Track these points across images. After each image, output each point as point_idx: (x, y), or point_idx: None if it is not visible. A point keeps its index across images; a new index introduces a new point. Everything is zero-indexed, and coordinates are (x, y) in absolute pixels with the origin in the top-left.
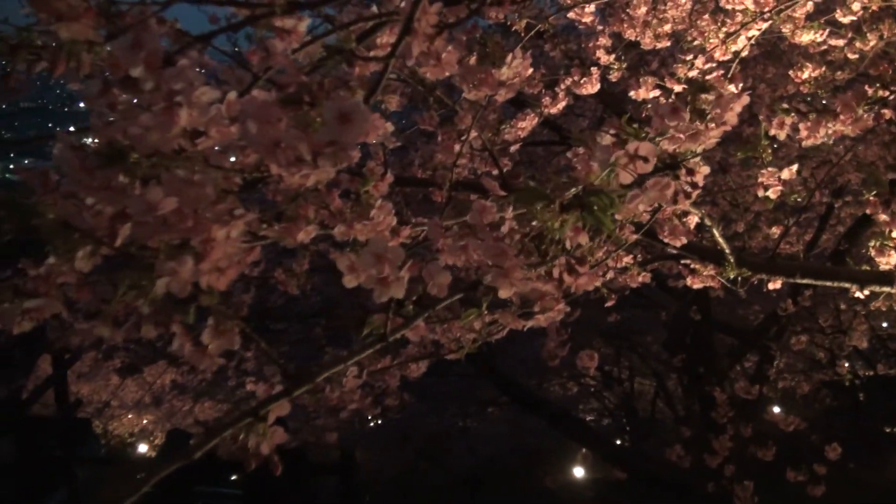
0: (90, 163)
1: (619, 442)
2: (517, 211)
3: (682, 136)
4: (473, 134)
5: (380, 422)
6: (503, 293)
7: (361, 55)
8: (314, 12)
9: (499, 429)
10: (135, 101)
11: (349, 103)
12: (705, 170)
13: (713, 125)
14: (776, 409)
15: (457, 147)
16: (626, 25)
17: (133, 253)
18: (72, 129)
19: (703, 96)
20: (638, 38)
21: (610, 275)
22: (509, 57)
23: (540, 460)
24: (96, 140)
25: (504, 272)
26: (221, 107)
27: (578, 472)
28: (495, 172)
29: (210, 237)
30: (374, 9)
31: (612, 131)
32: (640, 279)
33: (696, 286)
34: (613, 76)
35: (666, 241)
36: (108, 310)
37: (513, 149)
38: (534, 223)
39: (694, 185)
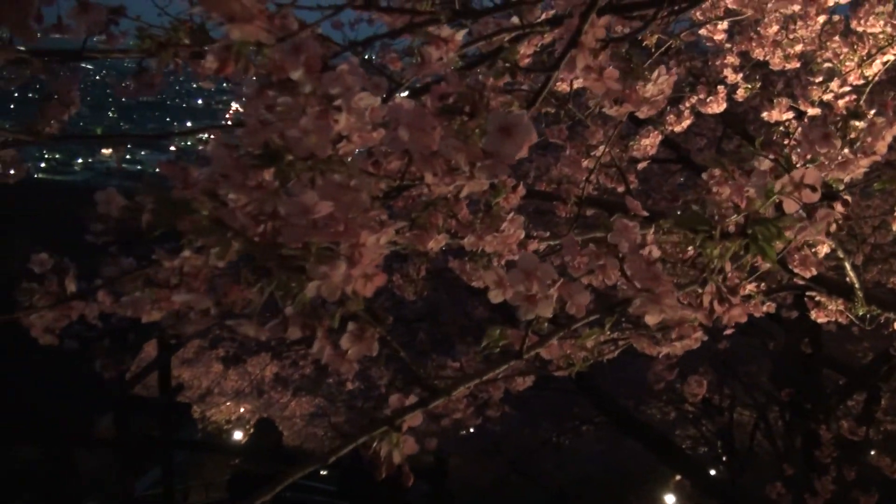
0: (244, 162)
1: (713, 472)
2: (667, 234)
3: (831, 163)
4: (603, 149)
5: (472, 430)
6: (651, 319)
7: (525, 66)
8: (456, 22)
9: (592, 448)
10: (292, 103)
11: (513, 116)
12: (849, 200)
13: (862, 154)
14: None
15: (585, 162)
16: (754, 44)
17: (284, 254)
18: (189, 124)
19: (855, 123)
20: (767, 58)
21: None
22: (655, 73)
23: (631, 483)
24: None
25: (655, 297)
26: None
27: (670, 499)
28: (620, 189)
29: (360, 243)
30: (515, 20)
31: (770, 156)
32: (763, 309)
33: (820, 320)
34: (740, 95)
35: (796, 270)
36: (254, 308)
37: (640, 166)
38: (689, 249)
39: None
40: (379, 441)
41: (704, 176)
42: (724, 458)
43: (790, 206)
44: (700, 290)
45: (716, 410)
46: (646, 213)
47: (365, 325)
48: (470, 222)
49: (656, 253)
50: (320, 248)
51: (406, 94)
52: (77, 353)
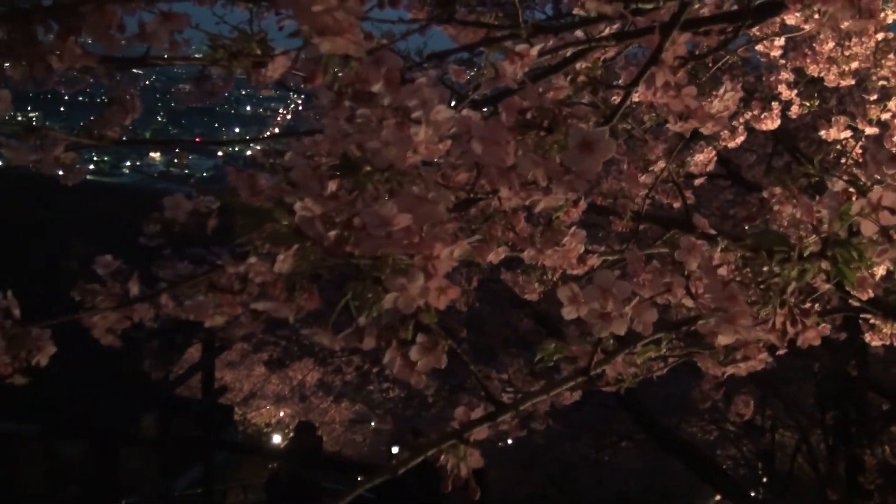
0: (321, 172)
1: (752, 494)
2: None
3: None
4: (661, 164)
5: (510, 441)
6: (724, 340)
7: (605, 82)
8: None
9: (631, 465)
10: (370, 115)
11: (595, 132)
12: None
13: None
14: None
15: (642, 177)
16: (809, 61)
17: (360, 265)
18: (237, 130)
19: None
20: (821, 75)
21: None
22: (721, 89)
23: (669, 503)
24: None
25: (730, 318)
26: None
27: None
28: (676, 205)
29: (434, 255)
30: (579, 34)
31: (843, 177)
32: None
33: (874, 343)
34: (794, 112)
35: (853, 293)
36: (329, 318)
37: (698, 182)
38: (764, 269)
39: None
40: (446, 453)
41: (765, 194)
42: (764, 480)
43: (868, 229)
44: (771, 312)
45: (757, 431)
46: (713, 231)
47: (437, 337)
48: (529, 235)
49: (725, 272)
50: (397, 260)
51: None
52: (123, 352)
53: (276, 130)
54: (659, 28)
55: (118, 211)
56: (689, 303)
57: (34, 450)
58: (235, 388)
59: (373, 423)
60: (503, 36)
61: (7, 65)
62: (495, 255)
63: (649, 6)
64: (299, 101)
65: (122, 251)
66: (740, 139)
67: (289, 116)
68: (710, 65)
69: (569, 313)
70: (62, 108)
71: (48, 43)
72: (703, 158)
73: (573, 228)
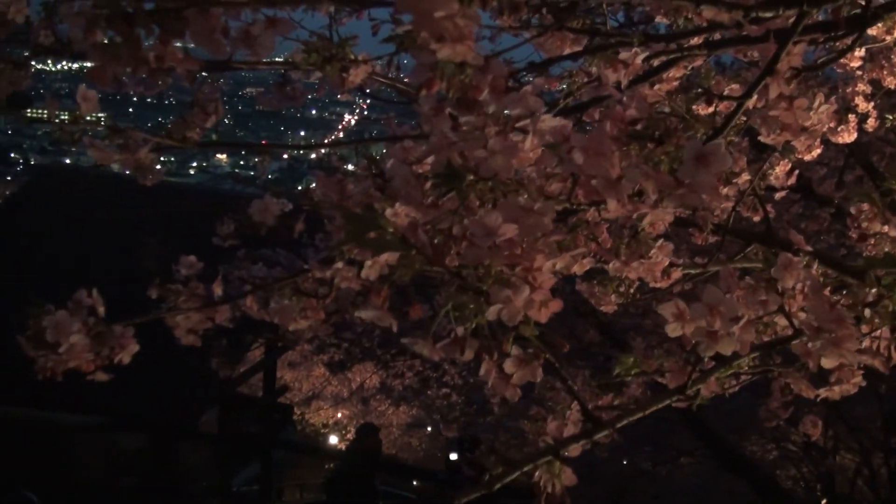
0: (423, 180)
1: None
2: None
3: None
4: (745, 177)
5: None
6: (828, 363)
7: (718, 93)
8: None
9: (689, 481)
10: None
11: (711, 145)
12: None
13: None
14: None
15: (724, 189)
16: (885, 73)
17: (461, 275)
18: (302, 133)
19: None
20: None
21: None
22: (816, 101)
23: None
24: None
25: (836, 340)
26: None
27: None
28: (756, 219)
29: (536, 267)
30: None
31: None
32: None
33: None
34: (871, 125)
35: None
36: (429, 327)
37: (779, 196)
38: (873, 290)
39: None
40: (541, 470)
41: (852, 210)
42: (823, 503)
43: None
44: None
45: (819, 452)
46: (809, 249)
47: (536, 351)
48: (614, 247)
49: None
50: (499, 272)
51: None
52: (189, 349)
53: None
54: (774, 36)
55: (187, 210)
56: (782, 321)
57: (96, 440)
58: (295, 387)
59: (429, 428)
60: (612, 44)
61: (90, 65)
62: (580, 267)
63: (768, 14)
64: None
65: (192, 250)
66: (817, 152)
67: (353, 121)
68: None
69: (674, 330)
70: (130, 110)
71: (150, 46)
72: (783, 171)
73: (660, 241)
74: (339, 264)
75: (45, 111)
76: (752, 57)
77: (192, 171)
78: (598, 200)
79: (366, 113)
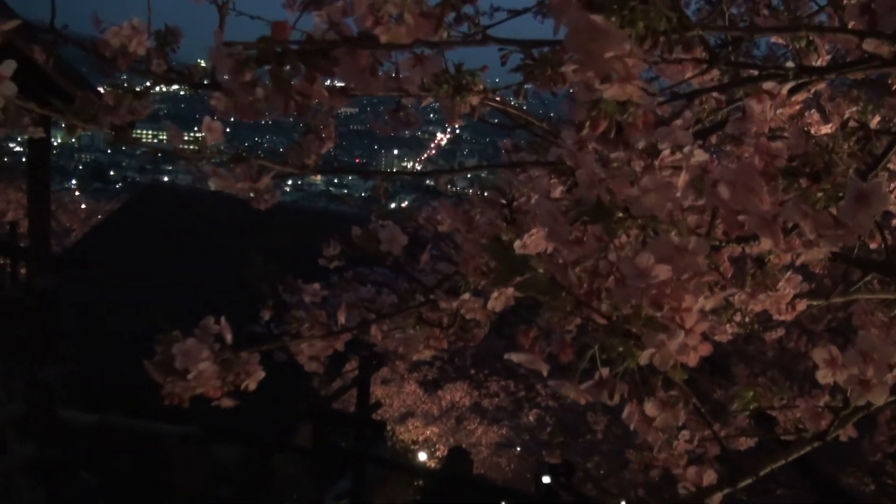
0: (568, 215)
1: None
2: None
3: None
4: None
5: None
6: None
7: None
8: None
9: None
10: (623, 159)
11: (872, 184)
12: None
13: None
14: None
15: None
16: None
17: (611, 317)
18: (395, 152)
19: None
20: None
21: None
22: None
23: None
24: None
25: None
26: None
27: None
28: (873, 245)
29: (685, 308)
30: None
31: None
32: None
33: None
34: None
35: None
36: (576, 368)
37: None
38: None
39: None
40: None
41: None
42: None
43: None
44: None
45: None
46: None
47: (683, 395)
48: (740, 278)
49: None
50: (649, 315)
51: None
52: (283, 363)
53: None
54: None
55: (284, 228)
56: None
57: (193, 450)
58: (385, 403)
59: (518, 449)
60: (763, 75)
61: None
62: (712, 301)
63: None
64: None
65: (295, 269)
66: None
67: (445, 140)
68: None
69: (824, 377)
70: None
71: (297, 84)
72: None
73: (788, 273)
74: (466, 295)
75: (166, 138)
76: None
77: (287, 189)
78: (743, 236)
79: (458, 132)
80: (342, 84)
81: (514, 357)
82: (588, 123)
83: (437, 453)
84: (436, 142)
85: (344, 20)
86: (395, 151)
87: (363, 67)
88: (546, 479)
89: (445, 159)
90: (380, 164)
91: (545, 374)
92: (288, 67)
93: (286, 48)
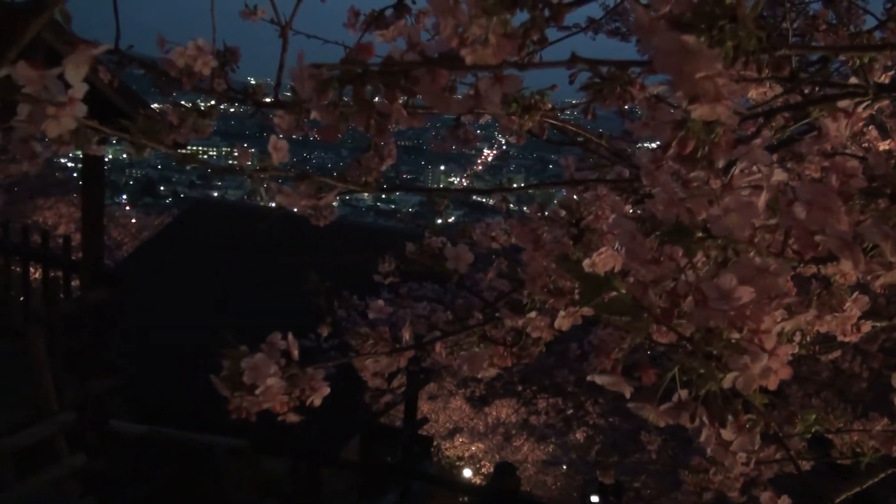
0: (646, 235)
1: None
2: None
3: None
4: None
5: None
6: None
7: None
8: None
9: None
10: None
11: None
12: None
13: None
14: None
15: None
16: None
17: (692, 338)
18: (442, 168)
19: None
20: None
21: None
22: None
23: None
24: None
25: None
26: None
27: None
28: None
29: (764, 329)
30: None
31: None
32: None
33: None
34: None
35: None
36: (655, 389)
37: None
38: None
39: None
40: None
41: None
42: None
43: None
44: None
45: None
46: None
47: (762, 418)
48: (801, 298)
49: None
50: (730, 337)
51: None
52: (332, 377)
53: (480, 168)
54: None
55: (333, 243)
56: None
57: (241, 462)
58: (432, 419)
59: (564, 467)
60: (840, 94)
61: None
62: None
63: None
64: (503, 142)
65: (348, 284)
66: None
67: (491, 156)
68: None
69: None
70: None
71: (377, 104)
72: None
73: (855, 293)
74: (533, 314)
75: (236, 159)
76: None
77: (335, 204)
78: (819, 257)
79: (504, 147)
80: (421, 104)
81: (598, 379)
82: (675, 143)
83: (483, 470)
84: (483, 157)
85: (421, 40)
86: (442, 167)
87: (443, 87)
88: (595, 499)
89: (492, 175)
90: (427, 179)
91: (628, 395)
92: (369, 88)
93: (368, 69)
